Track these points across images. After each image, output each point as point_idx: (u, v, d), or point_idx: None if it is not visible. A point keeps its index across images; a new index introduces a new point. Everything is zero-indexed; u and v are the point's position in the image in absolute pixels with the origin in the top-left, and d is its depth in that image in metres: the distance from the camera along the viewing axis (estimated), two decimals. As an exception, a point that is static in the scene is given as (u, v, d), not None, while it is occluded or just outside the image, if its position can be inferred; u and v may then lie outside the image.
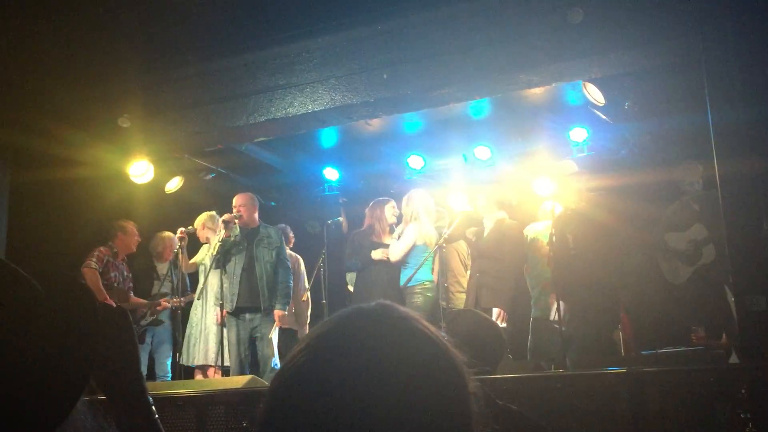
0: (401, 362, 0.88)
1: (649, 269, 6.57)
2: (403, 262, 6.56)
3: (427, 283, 6.50)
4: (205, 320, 7.15)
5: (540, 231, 6.52)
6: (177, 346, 6.94)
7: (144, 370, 7.05)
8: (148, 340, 7.30)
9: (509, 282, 6.36)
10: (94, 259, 6.61)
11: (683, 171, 6.10)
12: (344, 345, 0.90)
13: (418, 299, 6.42)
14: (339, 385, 0.85)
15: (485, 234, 6.68)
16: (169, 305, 7.07)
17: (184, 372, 6.93)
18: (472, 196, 6.96)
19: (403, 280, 6.51)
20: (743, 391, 3.40)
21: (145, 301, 7.12)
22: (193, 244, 7.27)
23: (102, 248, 6.73)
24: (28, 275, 1.05)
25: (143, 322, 7.20)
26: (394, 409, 0.85)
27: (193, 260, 7.25)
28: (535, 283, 6.51)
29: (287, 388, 0.90)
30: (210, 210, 7.39)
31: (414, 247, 6.56)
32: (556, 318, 5.54)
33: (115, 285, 6.80)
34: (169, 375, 7.27)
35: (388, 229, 6.96)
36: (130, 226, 6.95)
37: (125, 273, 6.99)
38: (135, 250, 7.04)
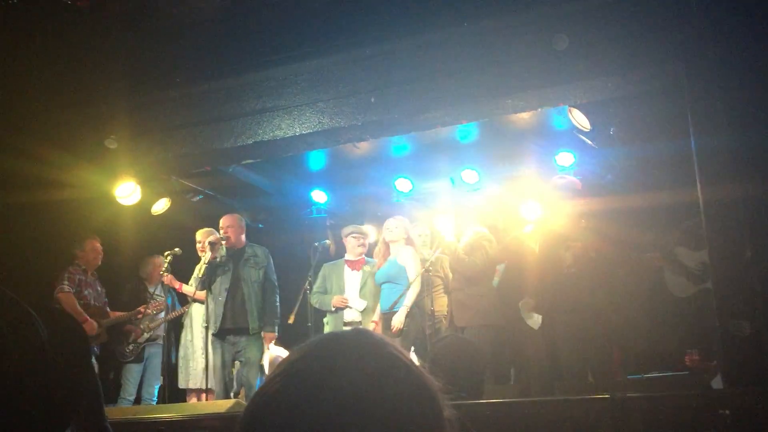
0: (376, 389, 0.88)
1: (638, 294, 6.58)
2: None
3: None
4: (193, 343, 7.11)
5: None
6: (164, 369, 6.90)
7: (135, 390, 7.07)
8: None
9: (483, 297, 6.27)
10: (66, 282, 6.54)
11: None
12: (319, 372, 0.90)
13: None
14: (314, 412, 0.85)
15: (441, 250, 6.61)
16: (150, 311, 7.06)
17: (174, 395, 6.88)
18: (459, 219, 6.96)
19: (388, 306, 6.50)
20: (727, 417, 3.40)
21: (123, 313, 7.08)
22: (179, 265, 7.25)
23: (71, 268, 6.67)
24: (31, 311, 1.08)
25: (141, 340, 7.19)
26: (368, 436, 0.85)
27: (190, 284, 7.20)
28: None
29: (262, 416, 0.89)
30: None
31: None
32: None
33: (92, 303, 6.74)
34: (155, 398, 7.21)
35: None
36: (88, 243, 6.86)
37: (99, 288, 6.94)
38: (99, 263, 6.95)
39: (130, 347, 7.10)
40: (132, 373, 7.17)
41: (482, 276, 6.38)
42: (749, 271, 4.17)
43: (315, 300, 6.98)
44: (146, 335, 7.21)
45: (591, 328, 5.56)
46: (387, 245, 6.73)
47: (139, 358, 7.19)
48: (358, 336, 0.96)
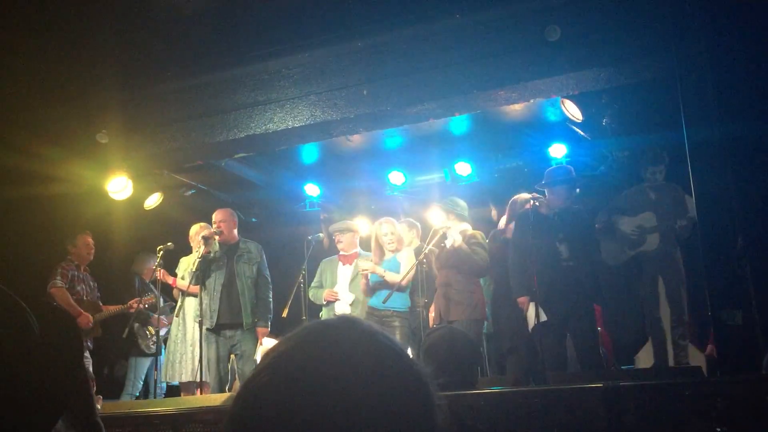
0: (366, 376, 0.88)
1: (628, 284, 6.62)
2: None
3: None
4: (186, 337, 7.10)
5: None
6: (158, 364, 6.91)
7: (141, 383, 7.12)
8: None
9: (474, 293, 6.27)
10: (58, 277, 6.53)
11: (649, 157, 6.19)
12: (308, 361, 0.89)
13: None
14: (303, 402, 0.85)
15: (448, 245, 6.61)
16: (141, 306, 7.06)
17: (171, 389, 6.89)
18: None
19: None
20: (720, 405, 3.41)
21: (116, 307, 7.07)
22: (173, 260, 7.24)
23: (63, 264, 6.65)
24: (24, 305, 1.08)
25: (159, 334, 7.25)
26: (359, 423, 0.84)
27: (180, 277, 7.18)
28: None
29: (250, 409, 0.88)
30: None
31: None
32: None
33: (84, 298, 6.74)
34: (164, 391, 7.26)
35: None
36: (80, 238, 6.82)
37: (91, 284, 6.93)
38: (92, 258, 6.92)
39: (153, 340, 7.14)
40: (144, 367, 7.24)
41: (486, 271, 6.39)
42: (741, 261, 4.19)
43: (311, 294, 7.03)
44: (162, 329, 7.29)
45: (585, 319, 5.58)
46: (381, 247, 6.73)
47: (158, 351, 7.20)
48: (346, 324, 0.95)
